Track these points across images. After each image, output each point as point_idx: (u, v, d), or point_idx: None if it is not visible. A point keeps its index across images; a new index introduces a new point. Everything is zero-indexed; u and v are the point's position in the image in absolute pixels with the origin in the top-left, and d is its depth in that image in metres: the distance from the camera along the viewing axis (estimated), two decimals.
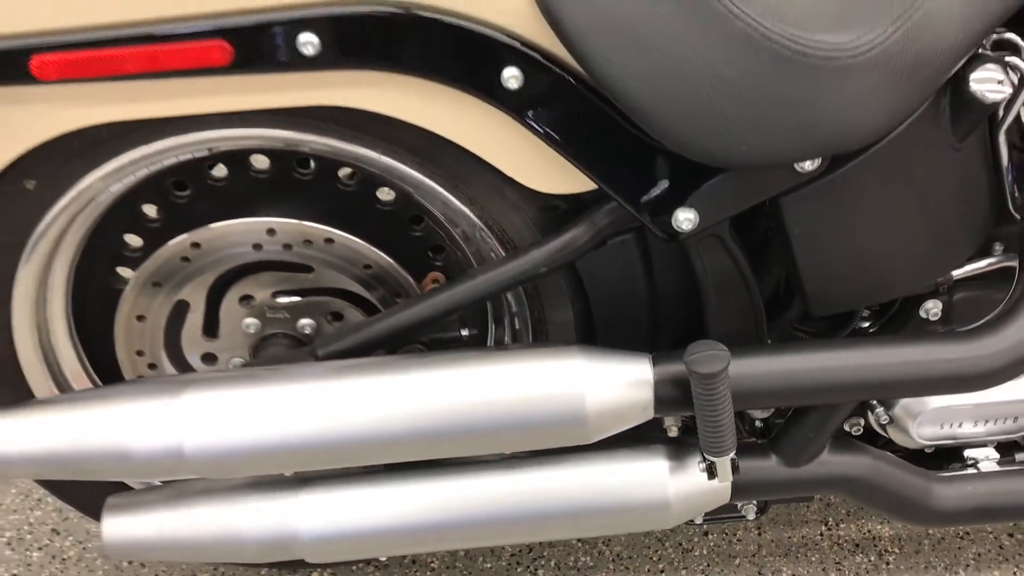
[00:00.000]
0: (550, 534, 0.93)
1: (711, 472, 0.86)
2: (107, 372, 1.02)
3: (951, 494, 0.96)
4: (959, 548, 1.25)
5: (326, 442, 0.83)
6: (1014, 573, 1.23)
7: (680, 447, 0.91)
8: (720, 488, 0.90)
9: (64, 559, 1.27)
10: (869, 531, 1.29)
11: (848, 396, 0.86)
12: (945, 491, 0.96)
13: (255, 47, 0.75)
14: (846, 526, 1.30)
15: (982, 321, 0.87)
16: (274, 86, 0.78)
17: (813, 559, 1.26)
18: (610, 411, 0.84)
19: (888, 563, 1.25)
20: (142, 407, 0.83)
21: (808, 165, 0.80)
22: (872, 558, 1.26)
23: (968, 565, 1.23)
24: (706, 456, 0.85)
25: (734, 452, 0.84)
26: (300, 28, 0.74)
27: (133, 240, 0.94)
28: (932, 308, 0.95)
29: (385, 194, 0.94)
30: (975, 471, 0.97)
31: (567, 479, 0.89)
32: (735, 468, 0.85)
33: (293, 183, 0.93)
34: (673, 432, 0.92)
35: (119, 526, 0.90)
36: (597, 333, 0.96)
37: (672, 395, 0.84)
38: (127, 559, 0.88)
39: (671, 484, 0.89)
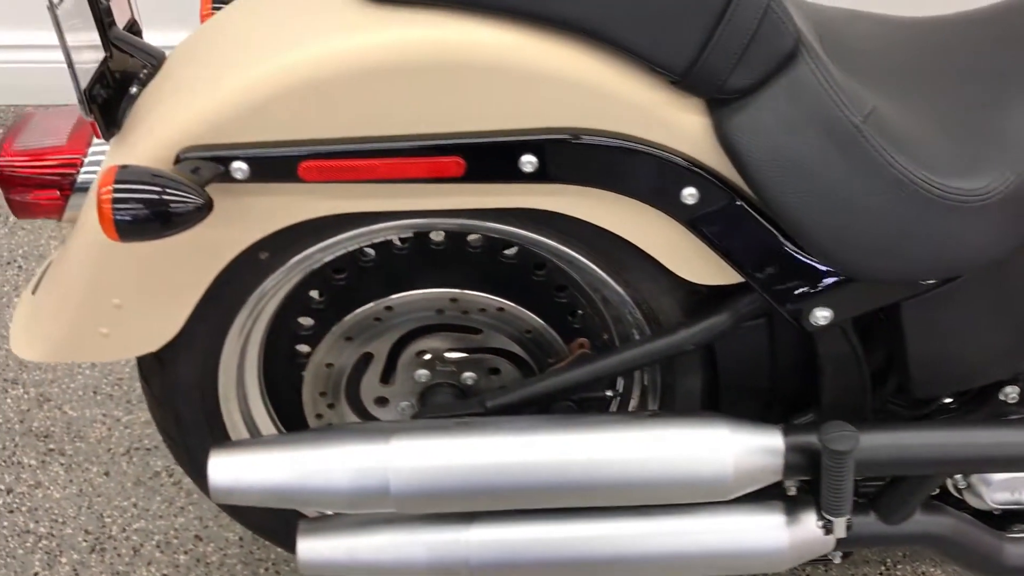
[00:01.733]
0: (680, 574, 1.08)
1: (827, 529, 1.02)
2: (290, 410, 1.18)
3: (1019, 552, 1.11)
4: None
5: (507, 487, 0.98)
6: None
7: (795, 504, 1.06)
8: (827, 540, 1.06)
9: (208, 563, 1.42)
10: (923, 572, 1.45)
11: (950, 470, 1.02)
12: (1014, 549, 1.12)
13: (485, 164, 0.90)
14: (902, 567, 1.45)
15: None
16: (490, 192, 0.93)
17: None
18: (748, 475, 0.99)
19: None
20: (356, 450, 0.98)
21: (931, 280, 0.96)
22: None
23: None
24: (824, 515, 1.01)
25: (850, 514, 1.00)
26: (524, 150, 0.90)
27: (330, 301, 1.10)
28: (1011, 392, 1.10)
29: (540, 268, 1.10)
30: None
31: (698, 528, 1.05)
32: (849, 527, 1.01)
33: (469, 258, 1.09)
34: (792, 491, 1.07)
35: (312, 547, 1.05)
36: (721, 400, 1.12)
37: (799, 462, 1.00)
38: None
39: (787, 535, 1.05)
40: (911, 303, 0.99)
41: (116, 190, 0.82)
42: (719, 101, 0.90)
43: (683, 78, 0.88)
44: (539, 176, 0.91)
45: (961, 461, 0.99)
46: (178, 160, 0.90)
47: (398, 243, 1.08)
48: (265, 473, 0.99)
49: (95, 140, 1.00)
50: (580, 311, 1.13)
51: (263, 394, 1.18)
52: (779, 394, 1.11)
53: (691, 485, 0.99)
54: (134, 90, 0.99)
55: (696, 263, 0.99)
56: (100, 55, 0.94)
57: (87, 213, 0.98)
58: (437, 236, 1.08)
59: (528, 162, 0.90)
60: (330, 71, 0.87)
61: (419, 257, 1.08)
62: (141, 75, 1.01)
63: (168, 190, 0.83)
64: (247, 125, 0.89)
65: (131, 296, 0.99)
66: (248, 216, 0.94)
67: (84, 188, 0.99)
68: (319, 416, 1.18)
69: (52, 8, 0.85)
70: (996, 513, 1.18)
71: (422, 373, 1.14)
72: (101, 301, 0.99)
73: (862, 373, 1.06)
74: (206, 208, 0.85)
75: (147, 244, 0.94)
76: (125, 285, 0.98)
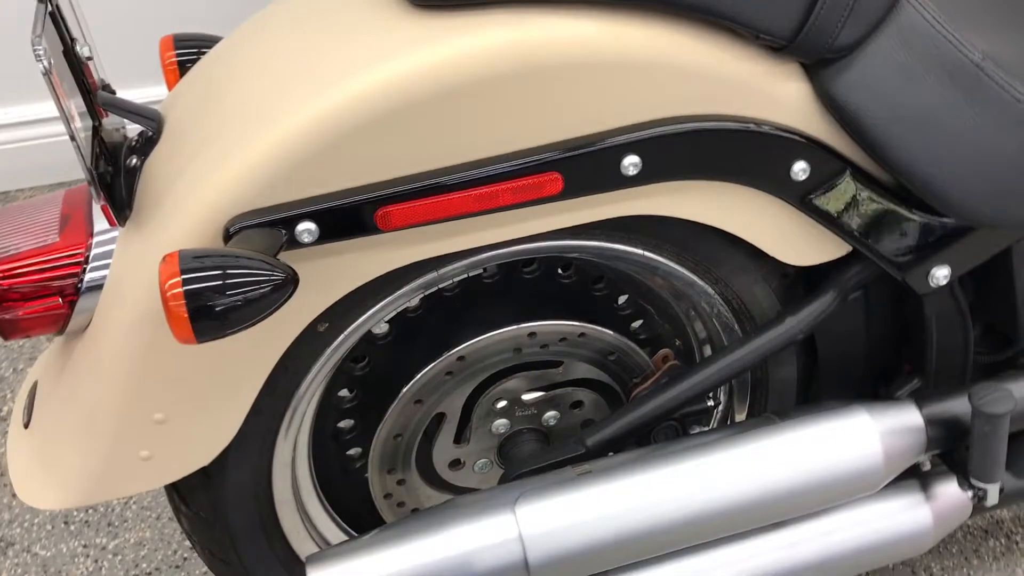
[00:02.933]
0: None
1: (980, 498, 0.95)
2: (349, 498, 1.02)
3: None
4: None
5: (653, 531, 0.87)
6: None
7: (930, 478, 0.99)
8: (965, 508, 0.99)
9: None
10: (992, 517, 1.42)
11: None
12: None
13: (585, 175, 0.79)
14: (972, 518, 1.42)
15: None
16: (588, 204, 0.82)
17: (954, 550, 1.38)
18: (897, 458, 0.92)
19: (1017, 542, 1.38)
20: (480, 528, 0.85)
21: None
22: (1003, 540, 1.39)
23: None
24: (975, 484, 0.94)
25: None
26: (626, 152, 0.78)
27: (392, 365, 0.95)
28: None
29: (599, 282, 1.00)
30: None
31: (841, 526, 0.96)
32: (1001, 490, 0.95)
33: (529, 287, 0.97)
34: (927, 467, 1.00)
35: None
36: (821, 385, 1.03)
37: (941, 434, 0.93)
38: None
39: (929, 513, 0.98)
40: (1021, 244, 0.93)
41: (186, 281, 0.66)
42: (822, 63, 0.81)
43: (791, 42, 0.78)
44: (642, 177, 0.80)
45: None
46: (228, 234, 0.74)
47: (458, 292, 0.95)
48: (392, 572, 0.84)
49: (99, 229, 0.82)
50: (654, 321, 1.03)
51: (316, 487, 1.02)
52: (873, 368, 1.04)
53: (845, 483, 0.90)
54: (133, 161, 0.82)
55: (801, 245, 0.90)
56: (84, 123, 0.77)
57: (106, 317, 0.80)
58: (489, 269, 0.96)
59: (631, 164, 0.79)
60: (401, 99, 0.73)
61: (494, 290, 0.95)
62: (134, 143, 0.84)
63: (247, 270, 0.68)
64: (305, 178, 0.74)
65: (177, 406, 0.82)
66: (316, 283, 0.79)
67: (95, 288, 0.81)
68: (388, 496, 1.02)
69: (48, 73, 0.68)
70: None
71: (500, 423, 1.01)
72: (140, 419, 0.82)
73: (967, 331, 1.00)
74: (292, 282, 0.70)
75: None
76: (170, 394, 0.81)
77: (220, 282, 0.67)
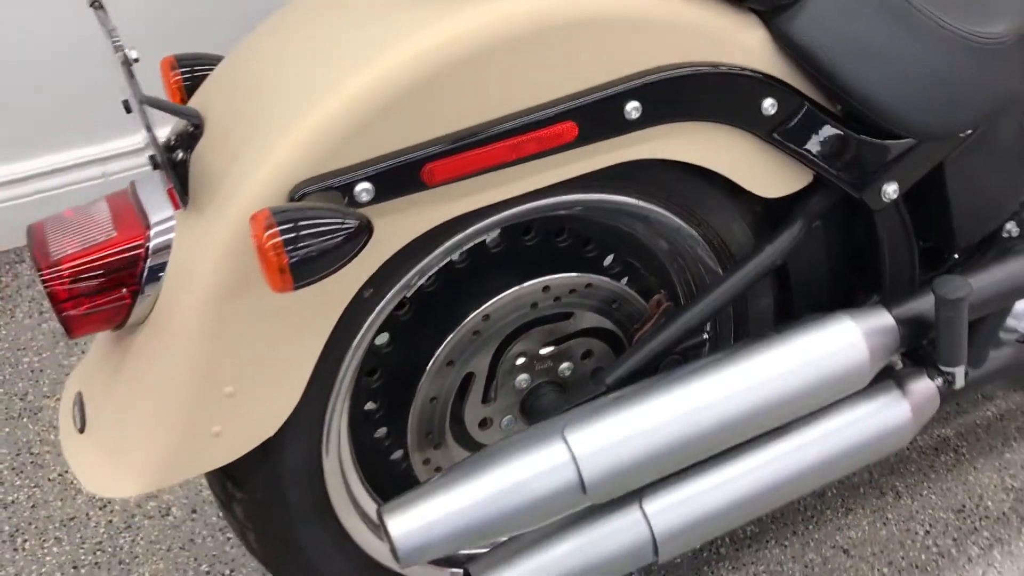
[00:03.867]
0: (829, 477, 1.10)
1: (949, 382, 1.09)
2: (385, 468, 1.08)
3: None
4: (1005, 426, 1.57)
5: (686, 440, 0.97)
6: None
7: (903, 376, 1.12)
8: (936, 396, 1.12)
9: None
10: (938, 435, 1.57)
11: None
12: None
13: (596, 121, 0.89)
14: (921, 438, 1.57)
15: None
16: (600, 151, 0.92)
17: (912, 468, 1.52)
18: (878, 354, 1.04)
19: (964, 454, 1.54)
20: (535, 458, 0.92)
21: (971, 129, 1.06)
22: (951, 455, 1.54)
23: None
24: (943, 370, 1.08)
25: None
26: (629, 98, 0.90)
27: (426, 328, 1.03)
28: (1011, 228, 1.23)
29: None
30: None
31: (836, 427, 1.08)
32: (966, 373, 1.08)
33: (536, 247, 1.06)
34: (899, 365, 1.13)
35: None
36: (794, 309, 1.16)
37: (911, 331, 1.07)
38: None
39: (907, 406, 1.10)
40: (951, 160, 1.09)
41: (284, 231, 0.73)
42: (775, 11, 0.95)
43: None
44: (644, 121, 0.91)
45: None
46: (293, 199, 0.81)
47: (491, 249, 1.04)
48: (450, 519, 0.90)
49: (154, 220, 0.87)
50: (646, 267, 1.14)
51: (354, 459, 1.07)
52: (837, 292, 1.17)
53: (840, 379, 1.02)
54: (179, 155, 0.88)
55: (772, 177, 1.03)
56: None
57: (174, 299, 0.85)
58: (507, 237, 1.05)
59: (634, 108, 0.90)
60: (434, 65, 0.83)
61: (501, 258, 1.04)
62: (173, 141, 0.90)
63: (330, 218, 0.75)
64: (357, 144, 0.82)
65: (246, 378, 0.87)
66: (372, 242, 0.86)
67: (157, 276, 0.86)
68: (427, 462, 1.09)
69: (130, 63, 0.74)
70: None
71: (522, 378, 1.09)
72: (212, 395, 0.86)
73: (912, 248, 1.14)
74: (368, 227, 0.77)
75: (259, 308, 0.84)
76: (239, 367, 0.86)
77: (312, 230, 0.74)
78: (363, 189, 0.82)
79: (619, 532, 1.00)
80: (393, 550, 0.89)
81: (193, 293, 0.84)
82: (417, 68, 0.83)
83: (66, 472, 1.52)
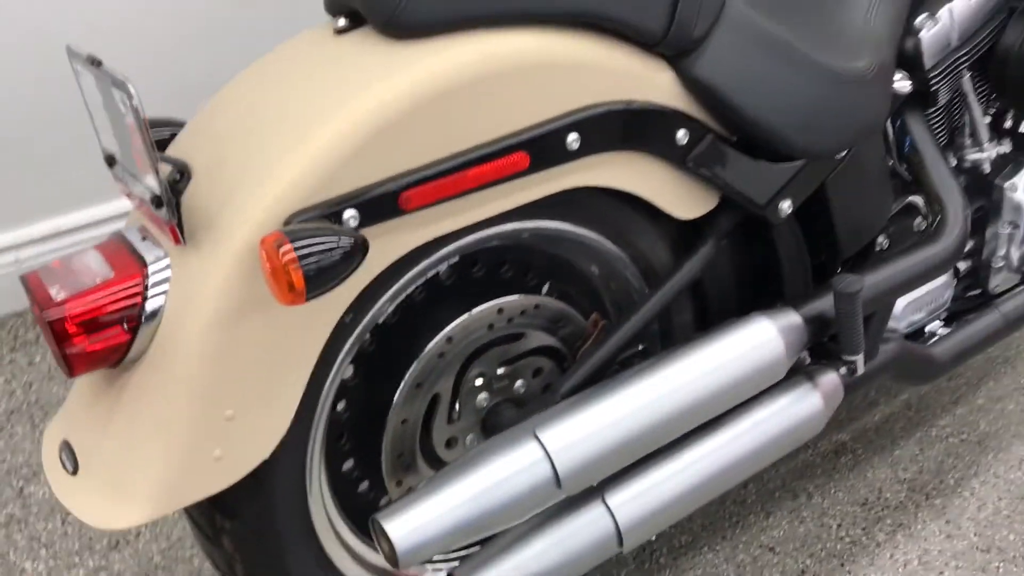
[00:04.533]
0: (761, 463, 1.23)
1: (851, 370, 1.25)
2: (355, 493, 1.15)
3: (940, 352, 1.43)
4: (891, 427, 1.75)
5: (640, 430, 1.08)
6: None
7: (811, 372, 1.27)
8: (839, 385, 1.28)
9: None
10: (837, 440, 1.74)
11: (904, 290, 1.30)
12: (937, 352, 1.43)
13: (543, 151, 1.02)
14: (824, 442, 1.73)
15: (918, 237, 1.36)
16: (548, 178, 1.05)
17: (819, 472, 1.68)
18: (791, 348, 1.19)
19: (859, 455, 1.71)
20: (512, 458, 1.02)
21: (843, 154, 1.24)
22: (850, 456, 1.71)
23: (898, 436, 1.73)
24: (846, 359, 1.24)
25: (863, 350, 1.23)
26: (569, 131, 1.03)
27: (395, 352, 1.11)
28: (882, 241, 1.43)
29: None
30: (939, 335, 1.46)
31: (761, 418, 1.22)
32: (865, 360, 1.25)
33: (485, 273, 1.18)
34: (807, 361, 1.28)
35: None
36: (709, 320, 1.30)
37: (816, 327, 1.22)
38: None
39: (818, 397, 1.25)
40: (831, 180, 1.27)
41: (297, 247, 0.82)
42: (679, 55, 1.11)
43: (664, 38, 1.07)
44: (582, 150, 1.05)
45: (911, 280, 1.29)
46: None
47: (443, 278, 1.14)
48: (441, 519, 0.98)
49: (150, 259, 0.94)
50: (580, 291, 1.26)
51: (329, 482, 1.13)
52: (746, 299, 1.33)
53: (762, 370, 1.17)
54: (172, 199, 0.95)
55: (685, 200, 1.18)
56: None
57: (174, 331, 0.92)
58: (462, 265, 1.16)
59: (574, 140, 1.03)
60: (407, 105, 0.94)
61: (454, 288, 1.14)
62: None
63: (333, 236, 0.84)
64: (340, 178, 0.92)
65: (244, 401, 0.94)
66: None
67: (154, 314, 0.93)
68: (399, 484, 1.16)
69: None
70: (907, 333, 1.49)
71: (482, 397, 1.18)
72: (214, 419, 0.93)
73: (804, 256, 1.31)
74: (365, 244, 0.87)
75: (257, 332, 0.92)
76: (237, 390, 0.93)
77: (320, 246, 0.83)
78: (350, 216, 0.92)
79: (586, 526, 1.10)
80: (392, 553, 0.96)
81: (196, 321, 0.90)
82: (397, 105, 0.94)
83: (11, 551, 1.50)
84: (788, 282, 1.31)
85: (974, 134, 1.51)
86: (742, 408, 1.21)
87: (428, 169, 0.96)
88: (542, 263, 1.23)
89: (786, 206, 1.23)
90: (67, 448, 0.99)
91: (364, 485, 1.19)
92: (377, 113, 0.93)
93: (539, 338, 1.21)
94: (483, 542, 1.08)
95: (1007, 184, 1.53)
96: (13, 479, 1.60)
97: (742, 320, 1.19)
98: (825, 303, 1.24)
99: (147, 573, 1.47)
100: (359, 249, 0.86)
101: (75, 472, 0.97)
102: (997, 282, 1.58)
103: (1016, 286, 1.59)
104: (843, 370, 1.25)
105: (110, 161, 0.98)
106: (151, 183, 0.87)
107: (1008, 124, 1.55)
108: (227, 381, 0.92)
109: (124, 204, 2.00)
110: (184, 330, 0.91)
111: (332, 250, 0.83)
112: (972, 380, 1.87)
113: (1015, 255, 1.56)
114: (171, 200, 0.88)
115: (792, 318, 1.21)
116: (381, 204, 0.93)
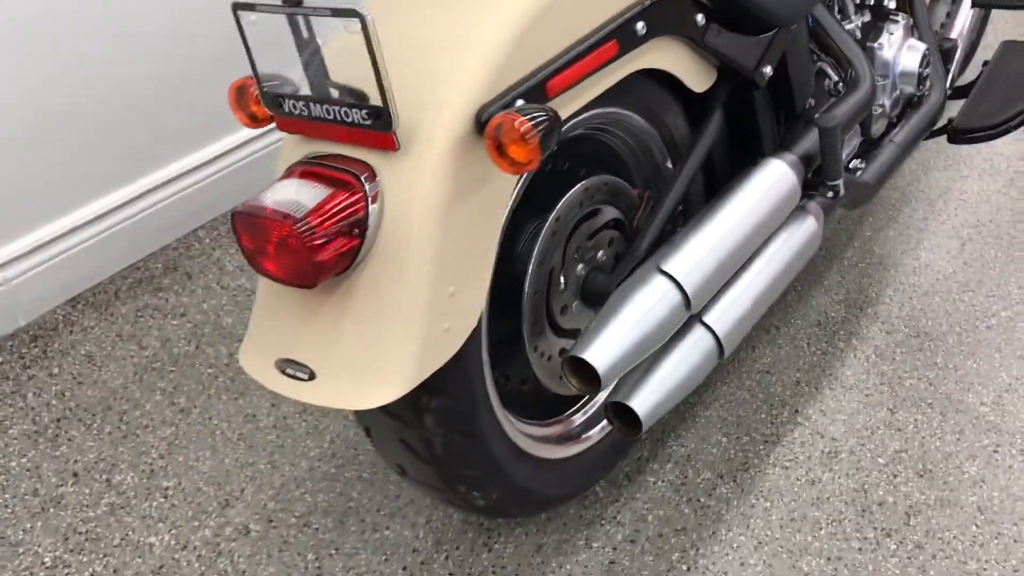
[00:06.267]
0: (792, 275, 1.52)
1: (835, 192, 1.57)
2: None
3: (870, 178, 1.80)
4: (813, 266, 2.12)
5: (729, 248, 1.34)
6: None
7: (804, 202, 1.58)
8: (829, 206, 1.60)
9: None
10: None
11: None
12: (868, 179, 1.79)
13: (623, 38, 1.24)
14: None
15: (843, 90, 1.72)
16: (626, 62, 1.27)
17: (776, 309, 2.01)
18: (799, 178, 1.49)
19: (800, 290, 2.06)
20: (651, 290, 1.24)
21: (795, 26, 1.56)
22: (794, 294, 2.06)
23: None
24: (829, 184, 1.56)
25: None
26: (637, 19, 1.26)
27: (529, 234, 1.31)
28: (811, 100, 1.76)
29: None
30: (862, 169, 1.83)
31: (787, 242, 1.51)
32: (846, 184, 1.57)
33: (571, 152, 1.39)
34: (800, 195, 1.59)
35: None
36: (714, 181, 1.59)
37: (804, 161, 1.53)
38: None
39: (813, 219, 1.57)
40: (789, 47, 1.58)
41: (530, 119, 1.00)
42: None
43: None
44: (645, 36, 1.28)
45: (853, 118, 1.63)
46: (479, 120, 1.07)
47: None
48: (617, 346, 1.20)
49: (360, 173, 1.07)
50: (623, 168, 1.50)
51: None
52: (735, 162, 1.62)
53: (789, 194, 1.47)
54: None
55: (700, 75, 1.45)
56: None
57: (401, 226, 1.06)
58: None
59: (641, 27, 1.27)
60: (543, 4, 1.13)
61: (554, 170, 1.34)
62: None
63: (543, 111, 1.03)
64: (505, 74, 1.10)
65: (461, 276, 1.10)
66: None
67: (377, 219, 1.07)
68: (535, 348, 1.35)
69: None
70: None
71: (580, 267, 1.39)
72: (441, 296, 1.08)
73: (772, 120, 1.62)
74: (560, 119, 1.06)
75: (465, 215, 1.09)
76: (456, 267, 1.09)
77: (544, 118, 1.01)
78: (520, 104, 1.10)
79: (695, 345, 1.35)
80: (593, 377, 1.17)
81: (422, 214, 1.05)
82: (531, 11, 1.12)
83: (129, 533, 1.53)
84: (765, 141, 1.61)
85: (843, 10, 1.88)
86: (773, 235, 1.50)
87: (558, 61, 1.16)
88: (594, 147, 1.45)
89: (767, 70, 1.52)
90: (290, 363, 1.11)
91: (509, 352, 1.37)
92: (521, 18, 1.12)
93: (610, 212, 1.44)
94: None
95: (875, 44, 1.91)
96: (96, 474, 1.62)
97: (760, 165, 1.48)
98: (808, 143, 1.55)
99: (268, 518, 1.56)
100: (558, 122, 1.05)
101: (312, 378, 1.09)
102: (878, 126, 1.97)
103: (892, 126, 1.99)
104: (829, 194, 1.57)
105: (269, 102, 1.10)
106: (375, 100, 1.01)
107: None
108: (449, 262, 1.08)
109: (94, 208, 2.01)
110: (411, 224, 1.06)
111: (546, 121, 1.02)
112: (855, 216, 2.29)
113: (887, 103, 1.95)
114: (395, 112, 1.02)
115: (791, 157, 1.52)
116: (535, 93, 1.13)
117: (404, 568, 1.47)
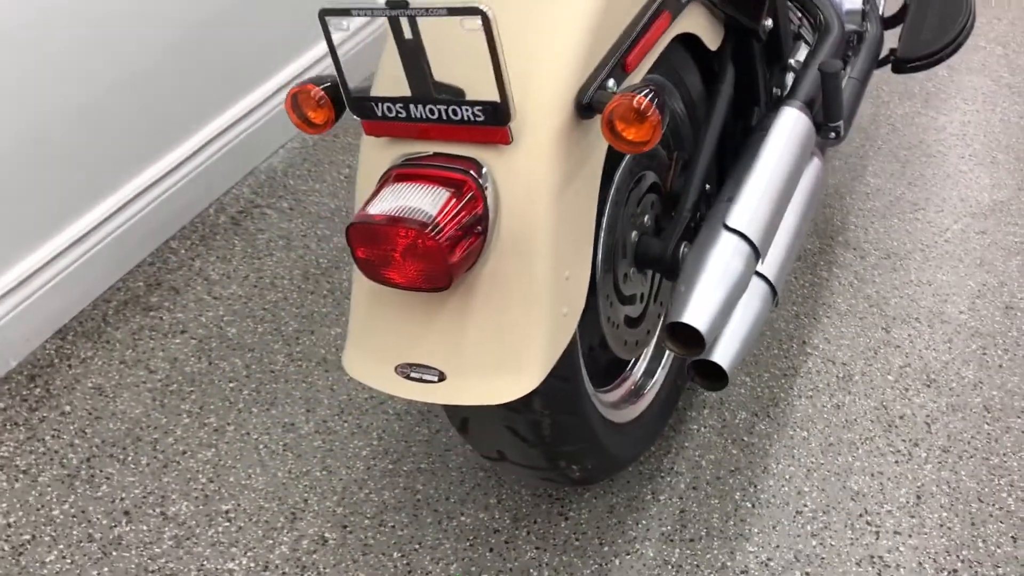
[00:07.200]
0: (814, 210, 1.60)
1: (837, 133, 1.65)
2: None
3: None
4: None
5: (778, 193, 1.41)
6: None
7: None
8: (831, 143, 1.69)
9: None
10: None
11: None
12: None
13: (673, 8, 1.27)
14: None
15: (818, 36, 1.81)
16: (674, 29, 1.30)
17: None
18: (810, 120, 1.57)
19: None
20: (722, 246, 1.29)
21: None
22: None
23: None
24: (831, 125, 1.64)
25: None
26: None
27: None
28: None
29: None
30: None
31: (805, 180, 1.59)
32: (846, 125, 1.66)
33: None
34: None
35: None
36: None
37: (811, 106, 1.61)
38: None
39: (819, 160, 1.66)
40: (774, 6, 1.65)
41: (648, 96, 1.02)
42: None
43: None
44: (688, 2, 1.32)
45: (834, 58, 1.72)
46: (580, 104, 1.08)
47: None
48: (712, 304, 1.25)
49: (472, 171, 1.06)
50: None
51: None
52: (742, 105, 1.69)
53: (808, 136, 1.54)
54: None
55: (714, 34, 1.49)
56: None
57: (517, 220, 1.07)
58: None
59: None
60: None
61: None
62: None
63: (652, 87, 1.05)
64: (593, 54, 1.12)
65: (573, 260, 1.12)
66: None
67: (495, 213, 1.07)
68: (608, 319, 1.38)
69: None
70: None
71: (634, 234, 1.43)
72: (560, 282, 1.10)
73: (765, 65, 1.69)
74: (667, 91, 1.08)
75: (572, 199, 1.10)
76: (570, 252, 1.11)
77: (651, 95, 1.03)
78: (611, 84, 1.12)
79: (754, 294, 1.41)
80: (696, 338, 1.21)
81: (539, 203, 1.06)
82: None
83: (204, 563, 1.48)
84: (762, 93, 1.68)
85: None
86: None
87: (628, 37, 1.18)
88: None
89: (768, 23, 1.59)
90: (415, 367, 1.11)
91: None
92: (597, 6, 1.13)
93: (650, 177, 1.47)
94: None
95: None
96: (148, 508, 1.55)
97: (777, 113, 1.55)
98: (808, 88, 1.63)
99: (341, 524, 1.54)
100: (668, 95, 1.07)
101: (442, 379, 1.09)
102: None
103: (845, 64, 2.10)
104: (831, 135, 1.66)
105: (358, 108, 1.08)
106: (487, 95, 1.01)
107: None
108: (564, 247, 1.10)
109: (66, 237, 1.90)
110: (529, 216, 1.07)
111: (659, 95, 1.04)
112: None
113: None
114: (513, 106, 1.02)
115: (798, 103, 1.59)
116: (618, 69, 1.15)
117: (491, 550, 1.49)
